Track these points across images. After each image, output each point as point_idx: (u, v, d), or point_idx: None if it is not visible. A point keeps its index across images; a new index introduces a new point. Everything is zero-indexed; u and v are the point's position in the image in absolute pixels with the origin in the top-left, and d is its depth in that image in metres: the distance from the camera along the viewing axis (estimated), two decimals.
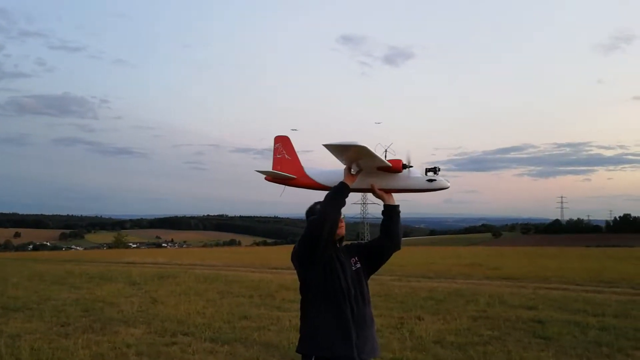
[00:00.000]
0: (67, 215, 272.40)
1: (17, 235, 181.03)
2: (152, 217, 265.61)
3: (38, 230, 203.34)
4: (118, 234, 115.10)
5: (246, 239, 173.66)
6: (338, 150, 3.45)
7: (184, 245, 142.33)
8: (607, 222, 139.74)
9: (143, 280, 17.02)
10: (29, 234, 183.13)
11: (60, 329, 9.08)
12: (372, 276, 3.68)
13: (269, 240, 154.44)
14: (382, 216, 3.67)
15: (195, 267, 25.96)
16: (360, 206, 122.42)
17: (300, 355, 3.35)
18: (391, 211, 3.61)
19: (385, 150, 3.93)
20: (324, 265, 3.32)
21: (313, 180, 4.46)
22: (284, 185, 4.64)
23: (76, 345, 7.68)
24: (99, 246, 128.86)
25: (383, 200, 3.68)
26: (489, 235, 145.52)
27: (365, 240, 3.91)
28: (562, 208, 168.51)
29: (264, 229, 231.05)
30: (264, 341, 7.97)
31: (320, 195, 4.23)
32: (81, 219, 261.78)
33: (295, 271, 3.49)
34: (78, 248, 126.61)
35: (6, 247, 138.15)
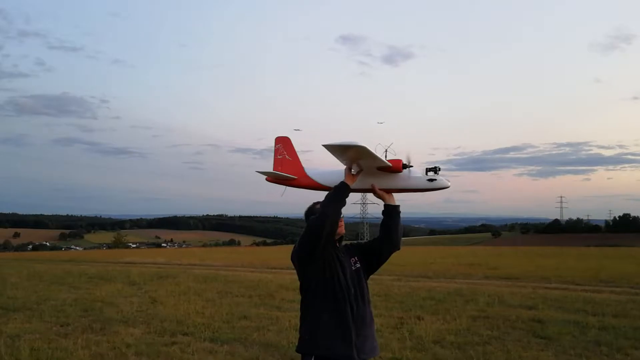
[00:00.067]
0: (67, 215, 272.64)
1: (16, 235, 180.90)
2: (152, 217, 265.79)
3: (37, 230, 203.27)
4: (117, 234, 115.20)
5: (245, 239, 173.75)
6: (338, 150, 3.46)
7: (184, 245, 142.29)
8: (606, 221, 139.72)
9: (142, 280, 17.01)
10: (28, 234, 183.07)
11: (59, 329, 9.07)
12: (372, 276, 3.69)
13: (268, 240, 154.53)
14: (382, 216, 3.68)
15: (195, 267, 25.97)
16: (360, 206, 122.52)
17: (300, 355, 3.35)
18: (391, 211, 3.62)
19: (386, 150, 3.94)
20: (323, 265, 3.32)
21: (314, 181, 4.47)
22: (285, 186, 4.65)
23: (76, 345, 7.68)
24: (99, 246, 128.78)
25: (384, 200, 3.69)
26: (488, 235, 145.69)
27: (365, 240, 3.91)
28: (561, 208, 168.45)
29: (263, 229, 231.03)
30: (264, 341, 7.97)
31: (319, 195, 4.24)
32: (80, 219, 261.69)
33: (294, 271, 3.50)
34: (77, 248, 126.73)
35: (5, 247, 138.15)
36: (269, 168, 4.74)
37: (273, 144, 4.85)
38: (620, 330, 8.34)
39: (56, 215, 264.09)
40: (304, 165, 4.63)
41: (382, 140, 3.95)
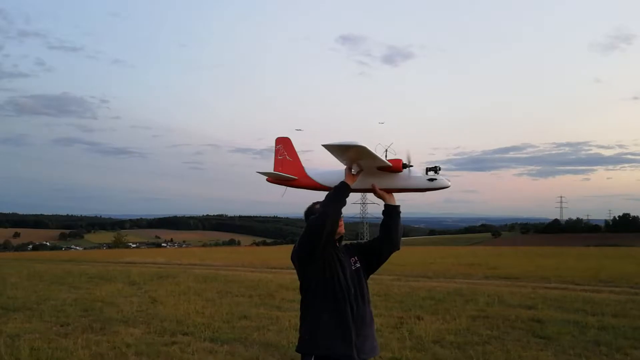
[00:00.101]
0: (67, 215, 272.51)
1: (16, 235, 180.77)
2: (152, 217, 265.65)
3: (37, 230, 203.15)
4: (117, 233, 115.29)
5: (245, 239, 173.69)
6: (338, 150, 3.46)
7: (184, 245, 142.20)
8: (606, 221, 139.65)
9: (142, 280, 17.01)
10: (28, 234, 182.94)
11: (59, 329, 9.08)
12: (372, 276, 3.69)
13: (268, 240, 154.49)
14: (382, 216, 3.68)
15: (195, 267, 25.97)
16: (360, 206, 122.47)
17: (299, 355, 3.35)
18: (392, 211, 3.62)
19: (386, 150, 3.95)
20: (323, 265, 3.32)
21: (314, 181, 4.49)
22: (285, 187, 4.66)
23: (76, 345, 7.68)
24: (99, 246, 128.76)
25: (384, 200, 3.69)
26: (488, 235, 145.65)
27: (365, 240, 3.92)
28: (561, 208, 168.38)
29: (263, 228, 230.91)
30: (264, 341, 7.97)
31: (319, 195, 4.26)
32: (80, 219, 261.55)
33: (294, 271, 3.50)
34: (77, 248, 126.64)
35: (5, 247, 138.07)
36: (269, 168, 4.75)
37: (273, 144, 4.86)
38: (620, 330, 8.35)
39: (56, 215, 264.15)
40: (304, 165, 4.64)
41: (382, 140, 3.96)
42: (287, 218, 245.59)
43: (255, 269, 23.78)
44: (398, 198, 3.78)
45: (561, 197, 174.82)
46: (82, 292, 14.08)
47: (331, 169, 4.25)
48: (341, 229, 3.50)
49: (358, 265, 3.50)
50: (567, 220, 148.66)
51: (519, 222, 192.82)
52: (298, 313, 3.52)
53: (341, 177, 3.56)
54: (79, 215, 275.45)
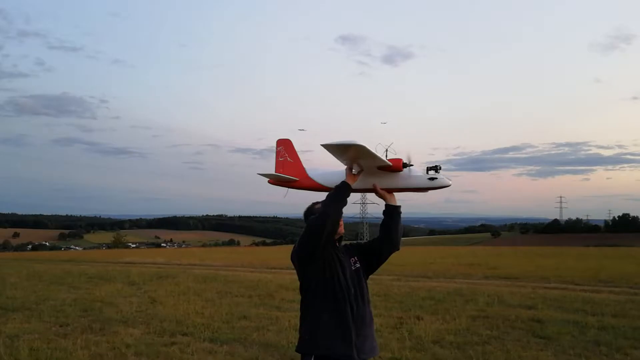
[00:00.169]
0: (66, 215, 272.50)
1: (15, 235, 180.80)
2: (151, 217, 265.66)
3: (37, 230, 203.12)
4: (117, 234, 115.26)
5: (245, 239, 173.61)
6: (337, 150, 3.46)
7: (183, 245, 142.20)
8: (606, 221, 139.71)
9: (142, 281, 17.00)
10: (27, 234, 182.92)
11: (59, 329, 9.07)
12: (371, 276, 3.69)
13: (268, 240, 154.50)
14: (382, 216, 3.67)
15: (194, 267, 25.97)
16: (360, 206, 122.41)
17: (299, 355, 3.34)
18: (392, 211, 3.61)
19: (386, 150, 3.94)
20: (323, 265, 3.31)
21: (315, 182, 4.49)
22: (287, 188, 4.67)
23: (75, 345, 7.67)
24: (98, 246, 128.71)
25: (385, 200, 3.68)
26: (488, 235, 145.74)
27: (365, 240, 3.91)
28: (561, 208, 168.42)
29: (263, 229, 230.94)
30: (263, 341, 7.96)
31: (319, 196, 4.25)
32: (80, 219, 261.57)
33: (294, 271, 3.49)
34: (77, 248, 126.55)
35: (5, 247, 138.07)
36: (269, 168, 4.76)
37: (273, 144, 4.87)
38: (620, 330, 8.34)
39: (56, 215, 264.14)
40: (305, 166, 4.64)
41: (382, 140, 3.96)
42: (287, 218, 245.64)
43: (255, 269, 23.78)
44: (398, 198, 3.77)
45: (561, 197, 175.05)
46: (82, 292, 14.07)
47: (332, 169, 4.25)
48: (341, 229, 3.49)
49: (358, 265, 3.49)
50: (566, 221, 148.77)
51: (518, 222, 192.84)
52: (298, 313, 3.51)
53: (342, 178, 3.55)
54: (79, 216, 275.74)
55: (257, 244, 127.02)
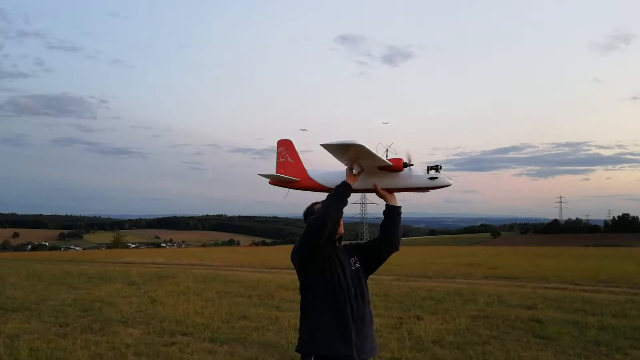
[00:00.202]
0: (66, 215, 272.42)
1: (15, 235, 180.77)
2: (151, 217, 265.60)
3: (36, 230, 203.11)
4: (117, 234, 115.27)
5: (245, 239, 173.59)
6: (337, 150, 3.46)
7: (183, 245, 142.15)
8: (605, 221, 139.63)
9: (142, 281, 17.00)
10: (27, 234, 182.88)
11: (58, 329, 9.07)
12: (371, 276, 3.69)
13: (267, 240, 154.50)
14: (382, 216, 3.68)
15: (194, 267, 25.96)
16: (360, 206, 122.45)
17: (299, 355, 3.34)
18: (392, 212, 3.61)
19: (387, 150, 3.94)
20: (323, 265, 3.31)
21: (316, 182, 4.50)
22: (287, 189, 4.68)
23: (75, 345, 7.67)
24: (98, 246, 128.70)
25: (385, 200, 3.68)
26: (487, 235, 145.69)
27: (365, 240, 3.91)
28: (560, 208, 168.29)
29: (262, 229, 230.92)
30: (263, 341, 7.96)
31: (319, 196, 4.25)
32: (80, 219, 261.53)
33: (294, 271, 3.49)
34: (77, 248, 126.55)
35: (5, 247, 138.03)
36: (269, 168, 4.77)
37: (273, 144, 4.88)
38: (619, 330, 8.35)
39: (55, 215, 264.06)
40: (306, 167, 4.65)
41: (382, 140, 3.96)
42: (287, 218, 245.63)
43: (255, 269, 23.77)
44: (398, 198, 3.77)
45: (560, 197, 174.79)
46: (81, 293, 14.07)
47: (333, 170, 4.26)
48: (341, 230, 3.49)
49: (358, 265, 3.49)
50: (566, 221, 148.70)
51: (518, 222, 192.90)
52: (297, 313, 3.51)
53: (343, 178, 3.55)
54: (78, 216, 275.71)
55: (256, 244, 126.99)
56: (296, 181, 4.59)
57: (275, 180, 4.68)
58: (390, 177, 3.98)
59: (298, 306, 3.50)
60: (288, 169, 4.69)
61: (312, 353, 3.22)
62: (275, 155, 4.87)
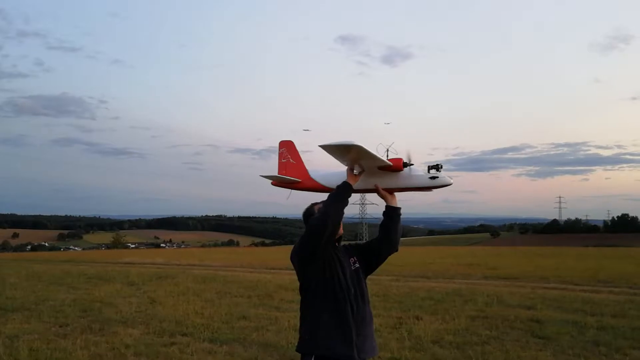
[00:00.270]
0: (65, 215, 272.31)
1: (15, 235, 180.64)
2: (151, 218, 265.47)
3: (36, 230, 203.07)
4: (116, 234, 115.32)
5: (244, 240, 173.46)
6: (336, 150, 3.47)
7: (183, 246, 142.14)
8: (605, 221, 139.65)
9: (141, 281, 16.99)
10: (27, 235, 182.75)
11: (58, 330, 9.07)
12: (371, 276, 3.69)
13: (267, 241, 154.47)
14: (381, 216, 3.68)
15: (194, 267, 25.95)
16: (359, 206, 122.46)
17: (299, 355, 3.35)
18: (392, 213, 3.62)
19: (387, 150, 3.95)
20: (323, 265, 3.32)
21: (318, 183, 4.52)
22: (290, 189, 4.70)
23: (74, 345, 7.67)
24: (97, 247, 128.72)
25: (386, 201, 3.69)
26: (487, 235, 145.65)
27: (364, 241, 3.92)
28: (560, 208, 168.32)
29: (262, 229, 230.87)
30: (263, 341, 7.97)
31: (318, 196, 4.26)
32: (79, 219, 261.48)
33: (293, 271, 3.50)
34: (76, 248, 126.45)
35: (4, 247, 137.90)
36: (268, 169, 4.80)
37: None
38: (619, 331, 8.36)
39: (55, 215, 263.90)
40: (307, 167, 4.67)
41: (383, 140, 3.97)
42: (286, 219, 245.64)
43: (254, 270, 23.76)
44: (398, 198, 3.78)
45: (560, 197, 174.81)
46: (81, 293, 14.07)
47: (334, 170, 4.27)
48: (340, 230, 3.49)
49: (357, 265, 3.50)
50: (565, 221, 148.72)
51: (517, 223, 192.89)
52: (297, 313, 3.51)
53: (344, 178, 3.55)
54: (78, 216, 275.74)
55: (256, 245, 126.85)
56: (298, 182, 4.61)
57: (278, 181, 4.71)
58: (391, 177, 3.99)
59: (297, 306, 3.50)
60: (290, 170, 4.72)
61: (312, 353, 3.22)
62: (276, 155, 4.90)
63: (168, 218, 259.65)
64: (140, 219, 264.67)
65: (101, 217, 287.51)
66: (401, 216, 3.66)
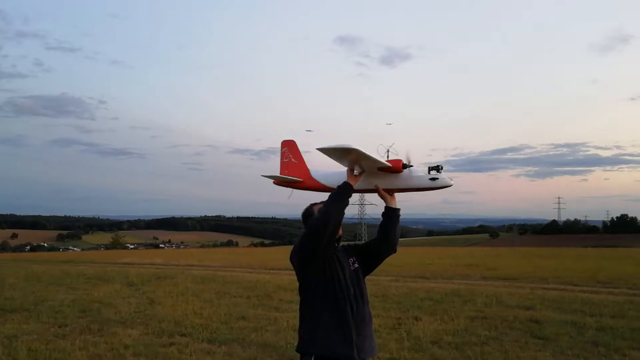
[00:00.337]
0: (64, 216, 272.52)
1: (14, 236, 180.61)
2: (150, 218, 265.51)
3: (35, 231, 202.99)
4: (115, 234, 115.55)
5: (243, 240, 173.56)
6: (334, 153, 3.47)
7: (182, 246, 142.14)
8: (604, 222, 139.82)
9: (140, 281, 16.98)
10: (26, 235, 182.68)
11: (57, 330, 9.06)
12: (369, 276, 3.70)
13: (266, 241, 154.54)
14: (380, 217, 3.68)
15: (193, 267, 25.93)
16: (358, 207, 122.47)
17: (298, 356, 3.35)
18: (392, 214, 3.63)
19: (387, 151, 3.96)
20: (323, 265, 3.32)
21: (319, 183, 4.53)
22: (291, 189, 4.70)
23: (73, 346, 7.67)
24: (97, 247, 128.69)
25: (385, 201, 3.69)
26: (486, 235, 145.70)
27: (363, 241, 3.93)
28: (559, 208, 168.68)
29: (261, 229, 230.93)
30: (262, 342, 7.96)
31: (319, 196, 4.25)
32: (78, 219, 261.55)
33: (293, 272, 3.49)
34: (75, 249, 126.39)
35: (3, 248, 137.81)
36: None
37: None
38: (618, 331, 8.35)
39: (54, 216, 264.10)
40: (309, 167, 4.68)
41: (383, 141, 3.98)
42: (285, 219, 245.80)
43: (253, 270, 23.75)
44: (397, 198, 3.78)
45: (559, 198, 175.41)
46: (80, 293, 14.05)
47: (336, 170, 4.28)
48: (340, 230, 3.50)
49: (356, 265, 3.50)
50: (565, 221, 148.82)
51: (517, 223, 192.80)
52: (296, 314, 3.51)
53: (345, 178, 3.56)
54: (77, 216, 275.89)
55: (255, 245, 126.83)
56: (299, 181, 4.62)
57: (279, 181, 4.72)
58: (391, 178, 4.00)
59: (297, 307, 3.50)
60: (292, 169, 4.73)
61: (312, 353, 3.22)
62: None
63: (167, 218, 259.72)
64: (139, 219, 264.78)
65: (100, 217, 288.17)
66: (400, 217, 3.66)
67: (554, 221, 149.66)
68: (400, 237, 3.78)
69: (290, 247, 3.53)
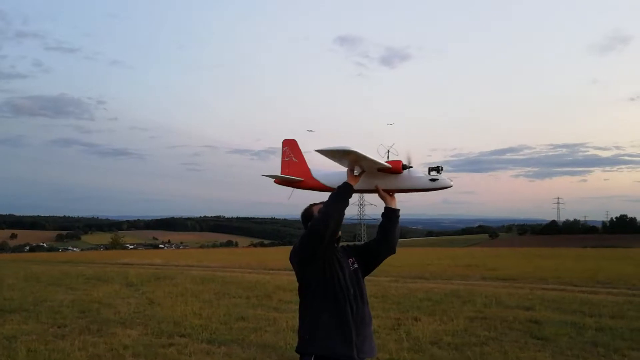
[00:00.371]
0: (64, 216, 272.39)
1: (13, 236, 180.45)
2: (149, 218, 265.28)
3: (34, 231, 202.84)
4: (115, 235, 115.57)
5: (243, 240, 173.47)
6: (334, 154, 3.47)
7: (181, 247, 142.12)
8: (603, 222, 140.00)
9: (140, 282, 16.96)
10: (25, 235, 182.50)
11: (56, 331, 9.05)
12: (369, 277, 3.70)
13: (265, 242, 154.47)
14: (380, 218, 3.69)
15: (192, 268, 25.91)
16: (357, 207, 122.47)
17: (297, 356, 3.34)
18: (391, 214, 3.63)
19: (388, 151, 3.96)
20: (323, 265, 3.32)
21: (320, 182, 4.52)
22: (292, 188, 4.70)
23: (73, 346, 7.66)
24: (96, 247, 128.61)
25: (385, 202, 3.70)
26: (485, 236, 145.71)
27: (362, 242, 3.92)
28: (558, 209, 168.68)
29: (261, 230, 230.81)
30: (261, 342, 7.96)
31: (319, 196, 4.25)
32: (78, 220, 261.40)
33: (292, 272, 3.49)
34: (74, 249, 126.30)
35: (2, 248, 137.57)
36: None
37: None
38: (617, 332, 8.36)
39: (53, 216, 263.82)
40: (310, 167, 4.68)
41: (383, 141, 3.98)
42: (285, 219, 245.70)
43: (253, 270, 23.73)
44: (397, 199, 3.78)
45: (558, 198, 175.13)
46: (79, 294, 14.04)
47: (336, 170, 4.28)
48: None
49: (356, 266, 3.50)
50: (564, 222, 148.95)
51: (516, 224, 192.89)
52: (295, 314, 3.51)
53: (346, 178, 3.56)
54: (76, 217, 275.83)
55: (255, 245, 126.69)
56: (300, 181, 4.62)
57: (280, 180, 4.72)
58: (392, 178, 4.00)
59: (296, 307, 3.50)
60: (292, 169, 4.73)
61: (312, 353, 3.22)
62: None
63: (166, 219, 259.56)
64: (138, 219, 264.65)
65: (100, 217, 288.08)
66: (400, 217, 3.66)
67: (553, 221, 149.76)
68: (400, 238, 3.79)
69: (289, 248, 3.53)
